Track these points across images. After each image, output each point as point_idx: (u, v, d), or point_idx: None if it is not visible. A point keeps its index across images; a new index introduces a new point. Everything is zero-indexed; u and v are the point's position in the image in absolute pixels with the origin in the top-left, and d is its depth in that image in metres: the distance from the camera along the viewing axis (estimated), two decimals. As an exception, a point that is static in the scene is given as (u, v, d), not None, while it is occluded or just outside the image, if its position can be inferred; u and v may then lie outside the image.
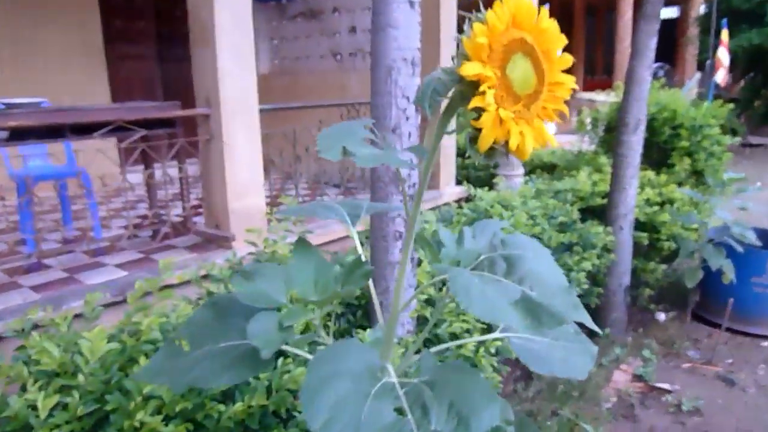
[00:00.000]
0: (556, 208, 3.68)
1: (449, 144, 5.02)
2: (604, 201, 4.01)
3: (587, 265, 3.32)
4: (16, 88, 5.27)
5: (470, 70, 0.73)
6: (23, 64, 5.55)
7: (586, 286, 3.45)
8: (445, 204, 4.64)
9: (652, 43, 3.61)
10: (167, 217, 3.84)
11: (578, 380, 2.04)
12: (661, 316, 4.30)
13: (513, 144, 0.77)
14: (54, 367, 1.58)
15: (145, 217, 4.38)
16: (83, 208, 4.77)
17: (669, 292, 4.57)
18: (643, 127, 3.71)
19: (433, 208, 4.32)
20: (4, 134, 3.34)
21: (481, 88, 0.74)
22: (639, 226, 4.02)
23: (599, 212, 4.07)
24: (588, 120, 5.61)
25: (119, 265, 3.57)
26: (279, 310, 0.85)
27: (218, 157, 3.54)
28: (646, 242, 4.00)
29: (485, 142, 0.76)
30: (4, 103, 3.41)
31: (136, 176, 4.34)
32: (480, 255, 0.83)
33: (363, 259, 0.91)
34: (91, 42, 6.07)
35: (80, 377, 1.50)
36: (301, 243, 1.02)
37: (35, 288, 3.16)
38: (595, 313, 3.96)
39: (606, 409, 3.17)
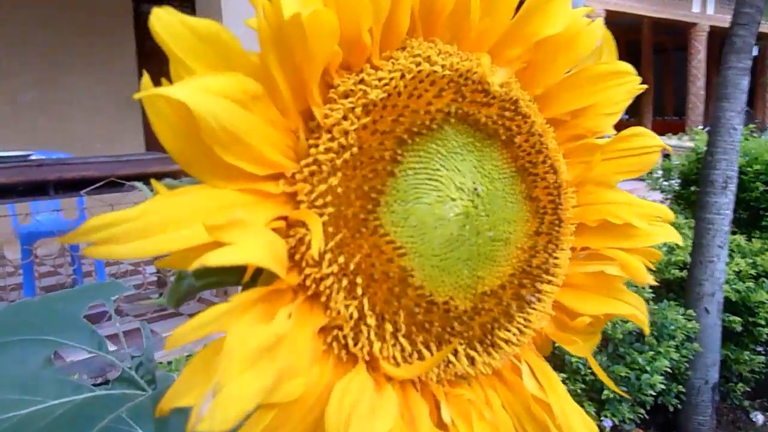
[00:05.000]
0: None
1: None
2: (683, 273, 3.28)
3: (663, 364, 2.60)
4: (41, 137, 5.08)
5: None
6: (50, 110, 5.37)
7: (662, 386, 2.72)
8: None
9: (744, 82, 2.94)
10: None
11: None
12: (759, 417, 3.47)
13: None
14: None
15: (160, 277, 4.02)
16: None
17: (768, 387, 3.72)
18: (733, 187, 3.00)
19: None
20: (-20, 192, 2.99)
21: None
22: (729, 306, 3.25)
23: (677, 287, 3.33)
24: (659, 171, 4.88)
25: (111, 337, 3.14)
26: None
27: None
28: (739, 327, 3.22)
29: None
30: (-15, 157, 3.07)
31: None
32: None
33: None
34: (124, 89, 5.87)
35: None
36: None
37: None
38: (674, 417, 3.19)
39: None
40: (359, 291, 0.20)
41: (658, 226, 0.27)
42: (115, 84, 5.81)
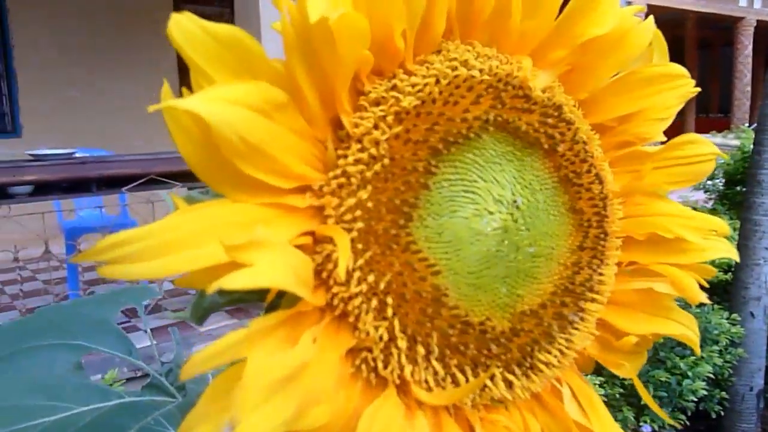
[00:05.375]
0: (664, 287, 2.91)
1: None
2: (727, 276, 3.17)
3: (706, 369, 2.52)
4: (84, 134, 5.22)
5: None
6: (93, 109, 5.52)
7: (704, 392, 2.64)
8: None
9: (794, 79, 2.82)
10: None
11: None
12: (807, 427, 3.33)
13: None
14: None
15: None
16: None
17: (817, 395, 3.56)
18: (782, 187, 2.88)
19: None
20: (26, 189, 3.09)
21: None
22: (776, 310, 3.13)
23: (721, 291, 3.22)
24: (703, 169, 4.72)
25: (155, 330, 3.22)
26: None
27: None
28: (786, 333, 3.10)
29: None
30: (32, 154, 3.16)
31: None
32: None
33: None
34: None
35: None
36: None
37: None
38: (717, 424, 3.09)
39: None
40: (390, 311, 0.19)
41: (713, 241, 0.25)
42: (155, 82, 5.92)
